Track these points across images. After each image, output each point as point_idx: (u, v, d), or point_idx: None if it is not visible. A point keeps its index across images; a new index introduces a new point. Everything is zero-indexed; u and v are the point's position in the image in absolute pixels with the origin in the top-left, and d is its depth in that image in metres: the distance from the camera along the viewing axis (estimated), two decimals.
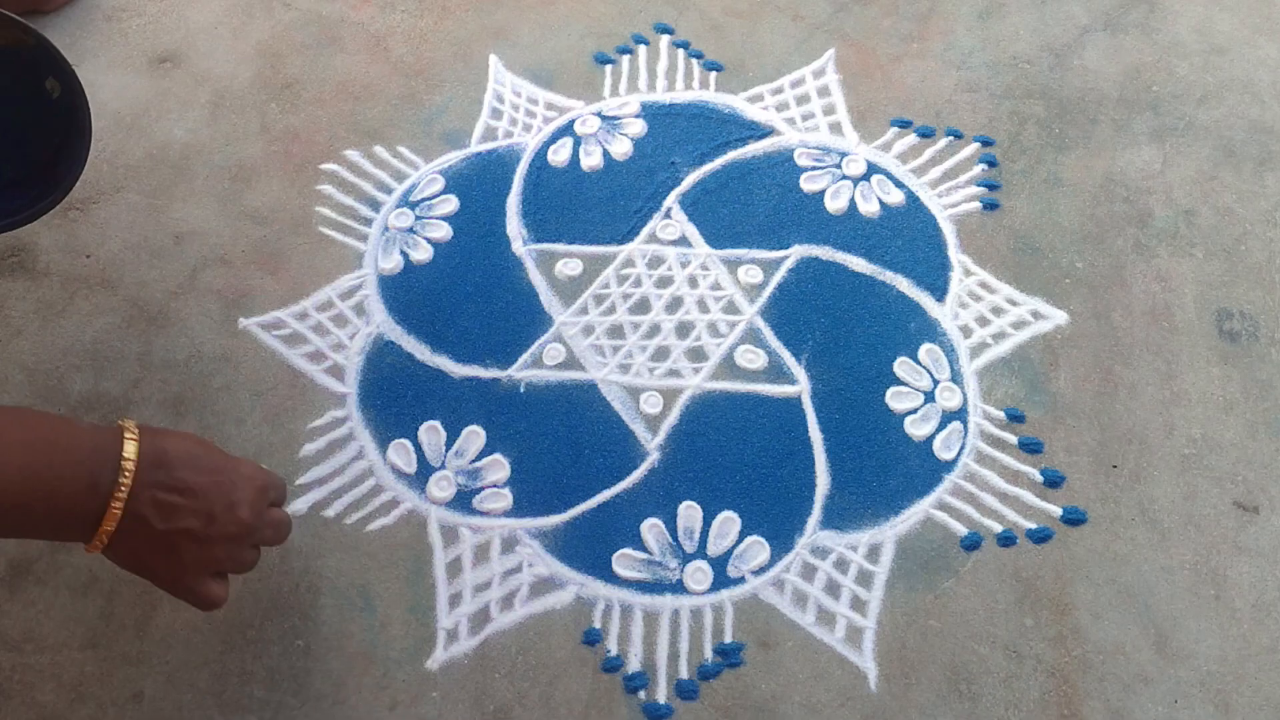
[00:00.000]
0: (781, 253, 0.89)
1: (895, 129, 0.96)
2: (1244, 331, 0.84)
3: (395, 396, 0.81)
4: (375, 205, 0.92)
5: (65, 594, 0.73)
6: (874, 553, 0.75)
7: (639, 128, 0.97)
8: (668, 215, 0.91)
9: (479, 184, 0.93)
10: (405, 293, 0.87)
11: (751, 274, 0.87)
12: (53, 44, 0.71)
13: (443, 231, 0.90)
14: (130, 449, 0.57)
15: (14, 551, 0.74)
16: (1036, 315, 0.85)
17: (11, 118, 0.73)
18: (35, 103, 0.73)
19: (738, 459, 0.78)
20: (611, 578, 0.74)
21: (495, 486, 0.77)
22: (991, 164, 0.94)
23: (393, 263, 0.88)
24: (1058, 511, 0.76)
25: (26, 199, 0.73)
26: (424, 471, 0.78)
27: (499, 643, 0.71)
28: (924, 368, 0.83)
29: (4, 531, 0.54)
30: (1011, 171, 0.94)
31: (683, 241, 0.90)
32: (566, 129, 0.97)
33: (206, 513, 0.59)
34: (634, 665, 0.70)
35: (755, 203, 0.92)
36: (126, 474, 0.56)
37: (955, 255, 0.89)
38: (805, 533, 0.75)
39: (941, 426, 0.80)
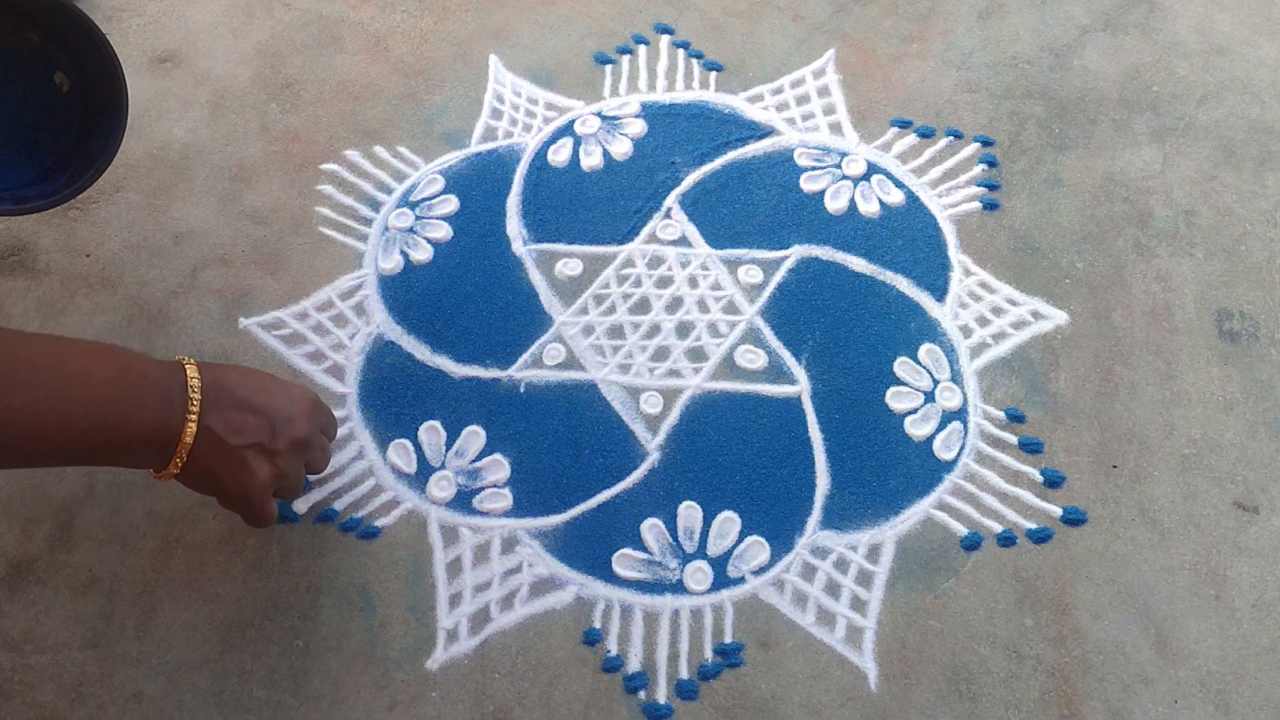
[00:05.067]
0: (781, 253, 0.89)
1: (895, 129, 0.96)
2: (1244, 331, 0.84)
3: (395, 396, 0.81)
4: (375, 205, 0.92)
5: (65, 594, 0.73)
6: (874, 553, 0.75)
7: (639, 128, 0.97)
8: (668, 215, 0.91)
9: (479, 184, 0.93)
10: (405, 293, 0.87)
11: (751, 274, 0.87)
12: (82, 22, 0.71)
13: (443, 231, 0.90)
14: (193, 373, 0.62)
15: (14, 551, 0.74)
16: (1036, 315, 0.85)
17: (37, 111, 0.74)
18: (54, 95, 0.73)
19: (738, 459, 0.78)
20: (611, 578, 0.74)
21: (495, 486, 0.77)
22: (991, 164, 0.94)
23: (393, 263, 0.88)
24: (1058, 511, 0.76)
25: (63, 180, 0.74)
26: (424, 471, 0.78)
27: (499, 643, 0.71)
28: (924, 368, 0.83)
29: (88, 458, 0.58)
30: (1011, 171, 0.94)
31: (683, 241, 0.90)
32: (566, 129, 0.97)
33: (270, 426, 0.64)
34: (634, 665, 0.70)
35: (755, 203, 0.92)
36: (195, 393, 0.61)
37: (955, 255, 0.89)
38: (805, 533, 0.75)
39: (941, 426, 0.80)
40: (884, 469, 0.78)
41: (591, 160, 0.94)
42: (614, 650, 0.71)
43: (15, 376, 0.53)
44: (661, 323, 0.85)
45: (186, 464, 0.61)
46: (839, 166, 0.94)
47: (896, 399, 0.81)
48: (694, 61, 1.02)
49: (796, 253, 0.89)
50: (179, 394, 0.60)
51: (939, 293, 0.87)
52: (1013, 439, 0.79)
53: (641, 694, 0.69)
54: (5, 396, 0.52)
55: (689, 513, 0.76)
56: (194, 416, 0.60)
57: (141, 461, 0.61)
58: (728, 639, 0.71)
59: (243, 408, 0.63)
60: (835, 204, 0.92)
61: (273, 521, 0.68)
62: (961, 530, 0.75)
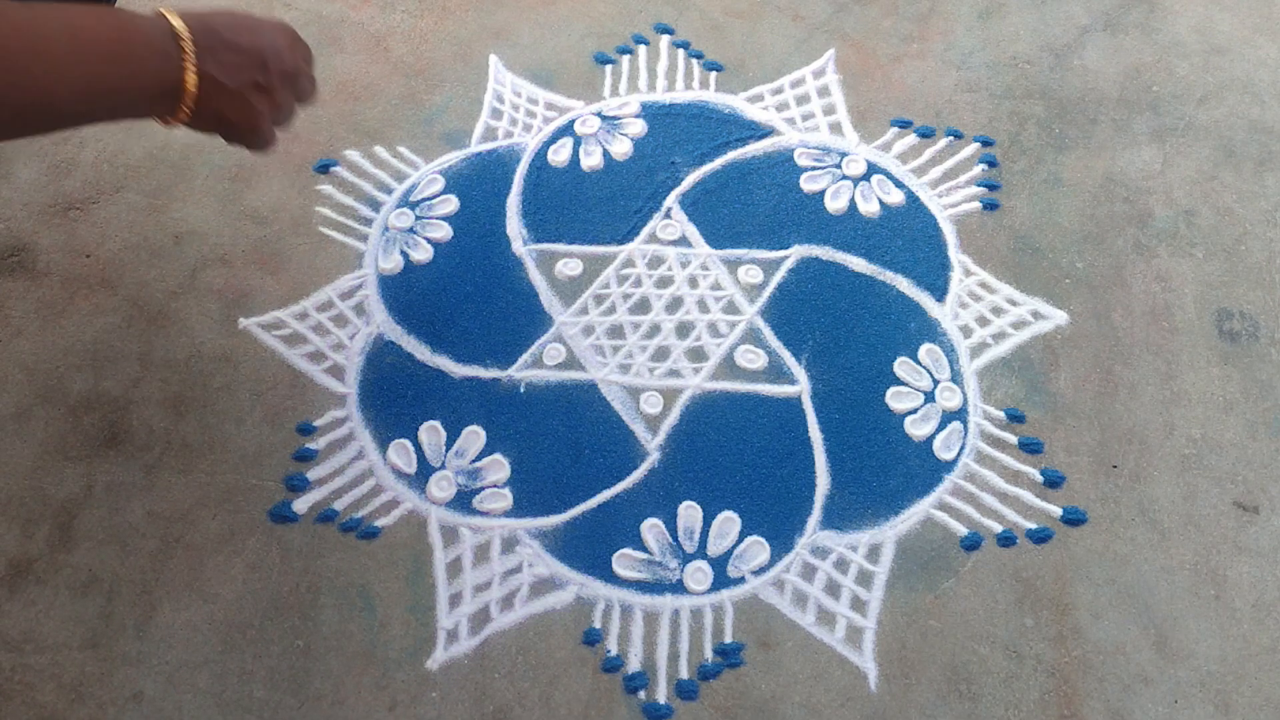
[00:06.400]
0: (781, 253, 0.89)
1: (895, 129, 0.96)
2: (1244, 331, 0.84)
3: (395, 396, 0.81)
4: (375, 205, 0.92)
5: (65, 594, 0.73)
6: (874, 553, 0.75)
7: (639, 128, 0.97)
8: (668, 215, 0.91)
9: (479, 184, 0.93)
10: (405, 293, 0.87)
11: (751, 274, 0.87)
12: None
13: (443, 231, 0.90)
14: (177, 22, 0.64)
15: (14, 551, 0.74)
16: (1036, 315, 0.85)
17: None
18: None
19: (738, 459, 0.78)
20: (611, 578, 0.74)
21: (495, 486, 0.77)
22: (991, 164, 0.94)
23: (393, 263, 0.88)
24: (1058, 511, 0.76)
25: None
26: (424, 471, 0.78)
27: (499, 643, 0.71)
28: (924, 368, 0.83)
29: (110, 115, 0.63)
30: (1011, 171, 0.94)
31: (683, 241, 0.90)
32: (566, 129, 0.97)
33: (261, 63, 0.68)
34: (634, 665, 0.70)
35: (755, 203, 0.92)
36: (186, 42, 0.64)
37: (955, 255, 0.89)
38: (805, 533, 0.75)
39: (942, 426, 0.80)
40: (884, 469, 0.78)
41: (591, 160, 0.94)
42: (614, 650, 0.71)
43: (30, 38, 0.57)
44: (661, 323, 0.85)
45: (195, 110, 0.66)
46: (839, 166, 0.94)
47: (896, 399, 0.81)
48: (694, 61, 1.02)
49: (796, 253, 0.89)
50: (172, 46, 0.64)
51: (939, 293, 0.87)
52: (1013, 439, 0.79)
53: (641, 694, 0.69)
54: (30, 69, 0.56)
55: (689, 513, 0.76)
56: (192, 66, 0.64)
57: (157, 110, 0.65)
58: (728, 639, 0.71)
59: (233, 49, 0.67)
60: (835, 204, 0.91)
61: (275, 144, 0.73)
62: (961, 530, 0.75)
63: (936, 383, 0.82)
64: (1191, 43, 1.02)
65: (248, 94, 0.68)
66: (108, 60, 0.61)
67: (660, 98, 0.99)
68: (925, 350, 0.83)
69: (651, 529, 0.75)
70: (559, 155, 0.95)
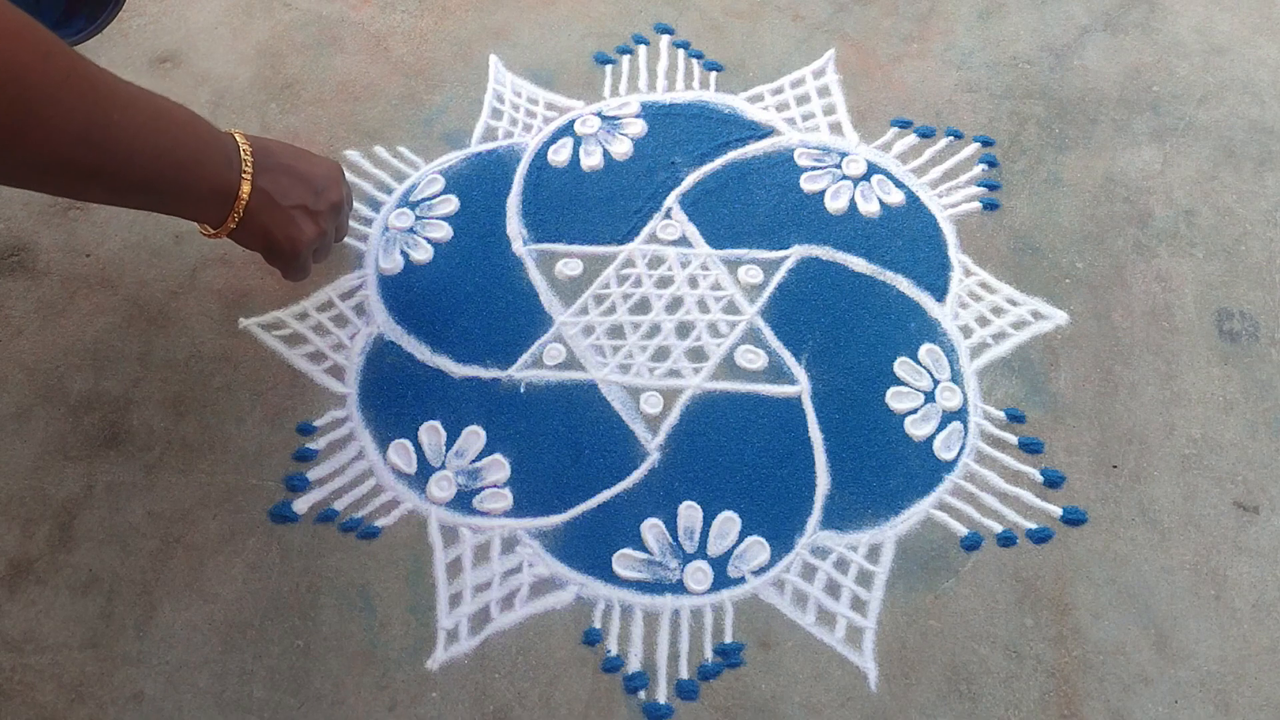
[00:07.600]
0: (781, 253, 0.89)
1: (895, 129, 0.96)
2: (1244, 331, 0.84)
3: (395, 396, 0.81)
4: (375, 205, 0.92)
5: (65, 594, 0.73)
6: (874, 553, 0.75)
7: (639, 128, 0.97)
8: (668, 215, 0.91)
9: (479, 184, 0.93)
10: (405, 293, 0.87)
11: (751, 274, 0.87)
12: None
13: (443, 231, 0.90)
14: (242, 140, 0.68)
15: (14, 551, 0.74)
16: (1036, 315, 0.85)
17: None
18: None
19: (738, 459, 0.78)
20: (612, 578, 0.74)
21: (495, 486, 0.77)
22: (991, 164, 0.94)
23: (393, 263, 0.88)
24: (1058, 511, 0.76)
25: (84, 19, 0.74)
26: (424, 471, 0.78)
27: (499, 643, 0.71)
28: (924, 368, 0.83)
29: (160, 200, 0.65)
30: (1011, 171, 0.94)
31: (683, 241, 0.90)
32: (566, 129, 0.97)
33: (313, 190, 0.72)
34: (634, 665, 0.70)
35: (755, 203, 0.92)
36: (247, 154, 0.68)
37: (955, 255, 0.89)
38: (805, 533, 0.75)
39: (942, 426, 0.80)
40: (884, 469, 0.78)
41: (591, 160, 0.94)
42: (614, 650, 0.71)
43: (120, 96, 0.58)
44: (661, 323, 0.85)
45: (242, 220, 0.68)
46: (839, 166, 0.94)
47: (896, 399, 0.81)
48: (694, 61, 1.02)
49: (796, 253, 0.89)
50: (235, 155, 0.67)
51: (939, 293, 0.87)
52: (1013, 439, 0.80)
53: (641, 694, 0.69)
54: (114, 110, 0.57)
55: (689, 513, 0.76)
56: (248, 176, 0.67)
57: (204, 213, 0.68)
58: (728, 639, 0.71)
59: (288, 173, 0.70)
60: (835, 204, 0.91)
61: (308, 276, 0.78)
62: (961, 530, 0.75)
63: (936, 383, 0.82)
64: (1191, 43, 1.02)
65: (296, 215, 0.71)
66: (182, 138, 0.63)
67: (660, 98, 0.99)
68: (925, 350, 0.83)
69: (651, 529, 0.75)
70: (559, 155, 0.95)
